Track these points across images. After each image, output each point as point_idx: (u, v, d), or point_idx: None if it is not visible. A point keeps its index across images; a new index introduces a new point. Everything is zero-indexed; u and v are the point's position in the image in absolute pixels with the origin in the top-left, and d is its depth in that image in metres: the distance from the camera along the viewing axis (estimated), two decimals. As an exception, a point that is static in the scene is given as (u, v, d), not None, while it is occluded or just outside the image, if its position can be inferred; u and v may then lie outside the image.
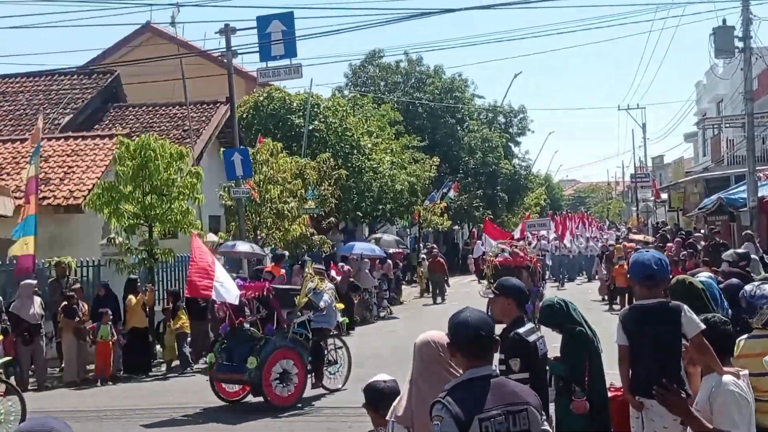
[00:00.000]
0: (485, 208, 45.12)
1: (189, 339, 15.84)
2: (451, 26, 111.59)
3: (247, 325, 12.48)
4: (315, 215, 25.18)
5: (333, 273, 19.64)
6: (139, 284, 16.12)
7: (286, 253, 20.02)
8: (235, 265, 18.56)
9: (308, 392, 12.34)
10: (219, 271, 12.26)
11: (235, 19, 61.92)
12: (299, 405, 11.90)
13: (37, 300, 14.66)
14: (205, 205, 18.56)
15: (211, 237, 20.30)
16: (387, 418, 4.26)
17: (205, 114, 25.47)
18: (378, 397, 4.48)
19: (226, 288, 11.96)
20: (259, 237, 21.36)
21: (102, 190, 16.27)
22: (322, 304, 12.44)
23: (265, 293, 12.45)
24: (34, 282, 14.81)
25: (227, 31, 20.44)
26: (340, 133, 29.88)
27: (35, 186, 16.00)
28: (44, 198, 17.84)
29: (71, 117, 24.15)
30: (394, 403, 4.27)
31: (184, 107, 24.40)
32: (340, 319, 13.77)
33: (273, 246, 21.29)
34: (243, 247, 18.46)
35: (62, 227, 18.30)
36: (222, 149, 21.11)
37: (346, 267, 21.71)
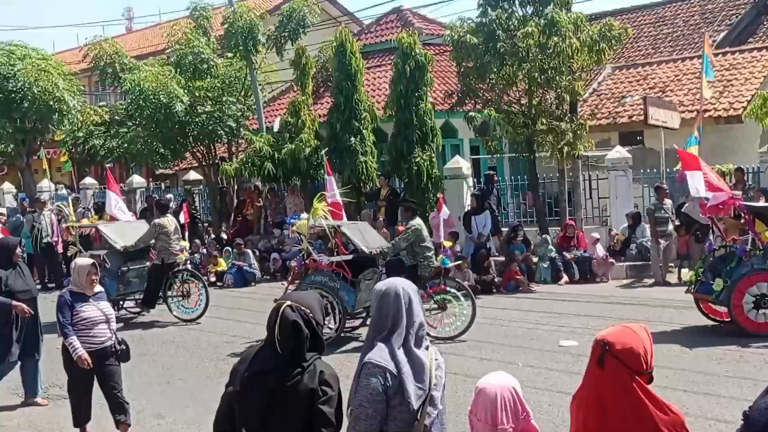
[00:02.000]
0: None
1: None
2: None
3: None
4: None
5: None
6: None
7: None
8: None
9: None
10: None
11: None
12: None
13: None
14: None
15: None
16: None
17: None
18: None
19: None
20: None
21: (762, 100, 17.10)
22: None
23: (734, 211, 11.21)
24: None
25: None
26: None
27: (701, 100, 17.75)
28: (705, 111, 19.46)
29: (725, 33, 25.23)
30: None
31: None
32: None
33: None
34: None
35: (722, 137, 19.83)
36: None
37: None
